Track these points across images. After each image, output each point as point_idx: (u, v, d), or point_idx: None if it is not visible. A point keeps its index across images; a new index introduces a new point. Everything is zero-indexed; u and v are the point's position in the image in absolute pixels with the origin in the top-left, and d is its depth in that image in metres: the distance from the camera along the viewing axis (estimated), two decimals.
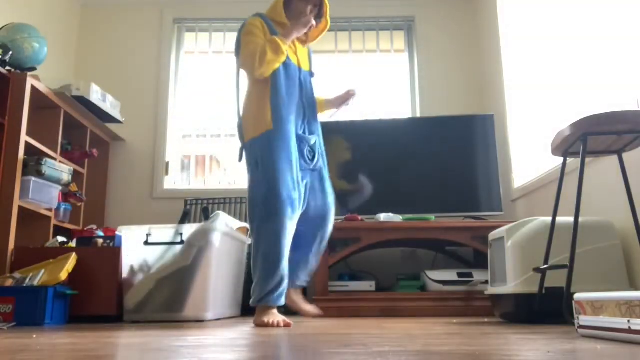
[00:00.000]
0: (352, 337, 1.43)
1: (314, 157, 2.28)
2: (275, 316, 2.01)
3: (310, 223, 2.26)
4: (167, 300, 2.45)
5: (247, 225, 3.13)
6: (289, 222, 2.06)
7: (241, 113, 2.30)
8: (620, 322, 1.15)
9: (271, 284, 2.04)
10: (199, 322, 2.36)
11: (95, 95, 3.18)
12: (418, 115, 3.80)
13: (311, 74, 2.39)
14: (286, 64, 2.24)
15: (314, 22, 2.22)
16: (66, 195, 3.09)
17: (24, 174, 2.64)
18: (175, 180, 3.81)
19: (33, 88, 2.74)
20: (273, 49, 2.13)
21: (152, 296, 2.47)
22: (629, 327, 1.12)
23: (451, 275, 2.88)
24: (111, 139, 3.68)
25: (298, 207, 2.11)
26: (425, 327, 1.79)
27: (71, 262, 2.36)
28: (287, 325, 1.95)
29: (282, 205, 2.04)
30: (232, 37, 4.04)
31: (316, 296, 2.82)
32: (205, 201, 3.56)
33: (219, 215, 2.91)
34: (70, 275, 2.36)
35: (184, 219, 3.31)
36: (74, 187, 3.10)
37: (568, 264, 1.74)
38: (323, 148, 2.41)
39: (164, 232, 2.53)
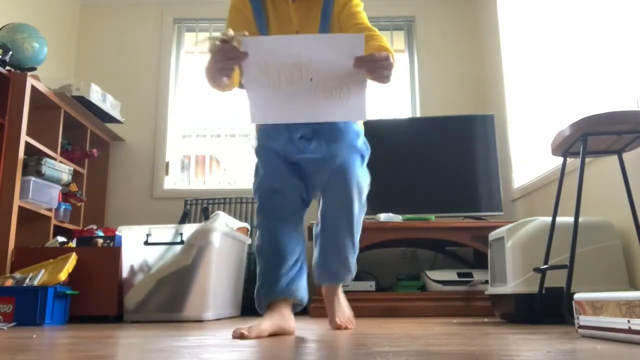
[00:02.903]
0: (352, 337, 1.43)
1: (310, 143, 1.67)
2: (256, 326, 1.48)
3: (325, 208, 1.69)
4: (167, 300, 2.45)
5: (247, 225, 3.13)
6: (272, 219, 1.67)
7: None
8: (620, 322, 1.15)
9: (258, 283, 1.67)
10: (199, 322, 2.36)
11: (95, 95, 3.18)
12: (418, 115, 3.79)
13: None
14: None
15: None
16: (66, 195, 3.09)
17: (24, 174, 2.64)
18: (175, 180, 3.81)
19: (33, 88, 2.74)
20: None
21: (152, 296, 2.48)
22: (629, 327, 1.12)
23: (451, 275, 2.88)
24: (111, 139, 3.68)
25: (285, 201, 1.68)
26: (425, 327, 1.79)
27: (71, 262, 2.36)
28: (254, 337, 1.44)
29: (264, 200, 1.69)
30: None
31: (316, 296, 2.81)
32: (205, 201, 3.56)
33: (219, 215, 2.92)
34: (70, 275, 2.36)
35: (184, 219, 3.31)
36: (74, 187, 3.10)
37: (568, 264, 1.74)
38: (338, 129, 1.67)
39: (164, 232, 2.54)
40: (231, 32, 1.40)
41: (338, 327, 1.72)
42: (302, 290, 1.67)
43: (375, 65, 1.38)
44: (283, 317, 1.56)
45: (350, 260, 1.69)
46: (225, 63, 1.40)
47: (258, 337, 1.42)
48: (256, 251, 1.71)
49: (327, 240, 1.68)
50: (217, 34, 1.43)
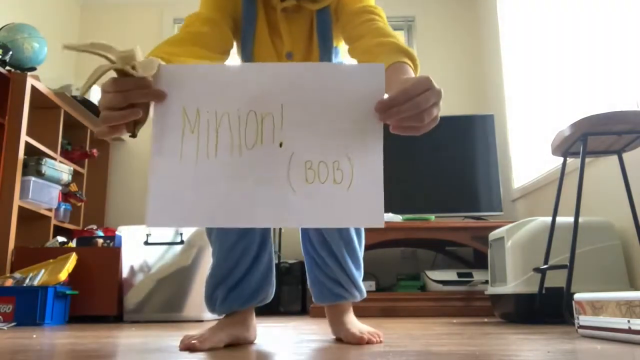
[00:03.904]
0: None
1: None
2: (210, 335, 1.16)
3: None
4: (167, 300, 2.45)
5: None
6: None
7: None
8: (620, 322, 1.15)
9: (212, 279, 1.33)
10: (198, 322, 2.36)
11: (95, 95, 3.18)
12: None
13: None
14: None
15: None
16: (66, 195, 3.09)
17: (24, 174, 2.64)
18: None
19: (33, 88, 2.74)
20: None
21: (152, 296, 2.48)
22: (629, 327, 1.12)
23: (451, 275, 2.88)
24: (111, 139, 3.68)
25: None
26: (425, 327, 1.79)
27: (71, 262, 2.36)
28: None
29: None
30: None
31: None
32: None
33: None
34: (70, 275, 2.36)
35: None
36: (74, 187, 3.10)
37: (568, 264, 1.74)
38: None
39: (164, 232, 2.53)
40: (139, 53, 0.85)
41: (360, 340, 1.17)
42: (271, 290, 1.28)
43: (414, 110, 0.78)
44: (244, 326, 1.23)
45: (351, 268, 1.31)
46: (121, 114, 0.80)
47: (212, 349, 1.10)
48: (209, 238, 1.31)
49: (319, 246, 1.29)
50: (110, 50, 0.81)
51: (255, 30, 1.25)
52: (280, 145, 0.81)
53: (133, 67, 0.80)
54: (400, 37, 1.16)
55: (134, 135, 0.84)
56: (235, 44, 1.28)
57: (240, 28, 1.25)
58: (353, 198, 0.80)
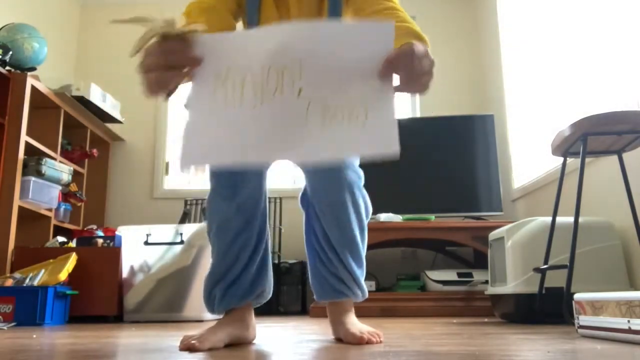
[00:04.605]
0: None
1: None
2: (209, 334, 1.15)
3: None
4: (167, 300, 2.45)
5: None
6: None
7: None
8: (620, 322, 1.15)
9: (211, 277, 1.33)
10: (198, 322, 2.36)
11: (95, 95, 3.18)
12: (418, 115, 3.79)
13: None
14: None
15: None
16: (66, 195, 3.09)
17: (24, 174, 2.64)
18: (175, 180, 3.81)
19: (33, 88, 2.74)
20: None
21: (152, 296, 2.48)
22: (629, 327, 1.12)
23: (451, 275, 2.88)
24: (111, 139, 3.68)
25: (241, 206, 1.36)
26: (425, 327, 1.79)
27: (71, 262, 2.36)
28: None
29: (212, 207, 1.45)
30: None
31: None
32: (205, 201, 3.55)
33: None
34: (70, 275, 2.36)
35: (184, 219, 3.31)
36: (74, 187, 3.10)
37: (568, 264, 1.73)
38: None
39: (164, 232, 2.53)
40: (178, 22, 0.93)
41: (360, 341, 1.17)
42: (268, 285, 1.29)
43: (415, 69, 0.92)
44: (244, 326, 1.24)
45: (352, 267, 1.34)
46: (163, 75, 0.87)
47: (212, 349, 1.10)
48: (209, 235, 1.36)
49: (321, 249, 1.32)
50: (153, 22, 0.91)
51: (260, 5, 1.26)
52: (299, 93, 0.89)
53: (177, 32, 0.90)
54: None
55: (167, 98, 0.94)
56: (241, 22, 1.29)
57: (245, 9, 1.27)
58: (368, 130, 0.88)
